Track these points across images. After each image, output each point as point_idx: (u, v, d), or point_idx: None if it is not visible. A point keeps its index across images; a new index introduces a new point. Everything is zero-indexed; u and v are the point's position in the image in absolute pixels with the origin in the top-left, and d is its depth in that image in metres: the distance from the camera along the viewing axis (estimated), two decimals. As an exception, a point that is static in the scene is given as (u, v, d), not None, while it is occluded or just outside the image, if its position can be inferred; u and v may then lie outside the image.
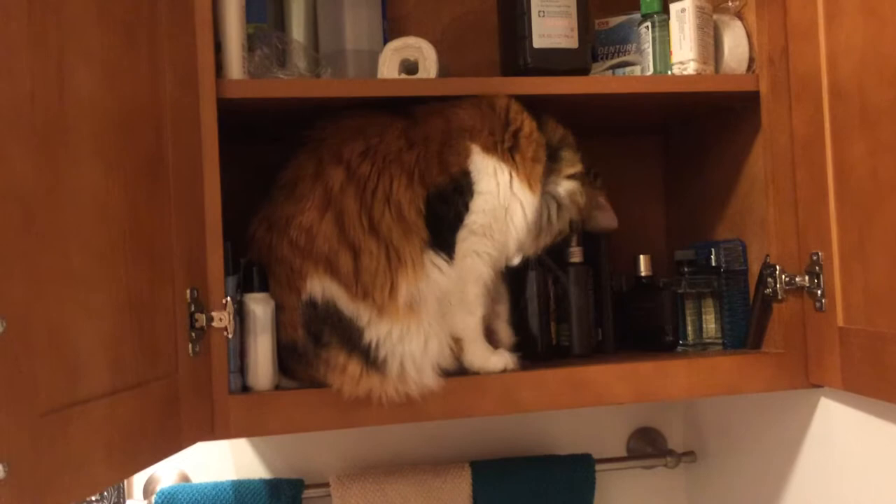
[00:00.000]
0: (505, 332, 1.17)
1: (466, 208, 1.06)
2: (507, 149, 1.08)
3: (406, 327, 1.02)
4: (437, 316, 1.05)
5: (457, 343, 1.08)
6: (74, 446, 0.67)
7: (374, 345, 1.02)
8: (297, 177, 1.07)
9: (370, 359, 1.02)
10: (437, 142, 1.07)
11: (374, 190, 1.03)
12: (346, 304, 1.02)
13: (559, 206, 1.13)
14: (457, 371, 1.09)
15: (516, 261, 1.13)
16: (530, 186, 1.08)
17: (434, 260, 1.04)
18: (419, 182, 1.05)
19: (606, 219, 1.21)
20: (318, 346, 1.04)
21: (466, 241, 1.06)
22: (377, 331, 1.02)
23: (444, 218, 1.05)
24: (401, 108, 1.10)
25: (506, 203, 1.07)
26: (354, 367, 1.02)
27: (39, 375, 0.64)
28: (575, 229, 1.19)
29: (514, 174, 1.07)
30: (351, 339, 1.02)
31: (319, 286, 1.03)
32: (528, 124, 1.09)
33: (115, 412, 0.74)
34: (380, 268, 1.02)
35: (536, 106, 1.12)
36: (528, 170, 1.08)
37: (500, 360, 1.09)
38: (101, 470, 0.72)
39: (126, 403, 0.76)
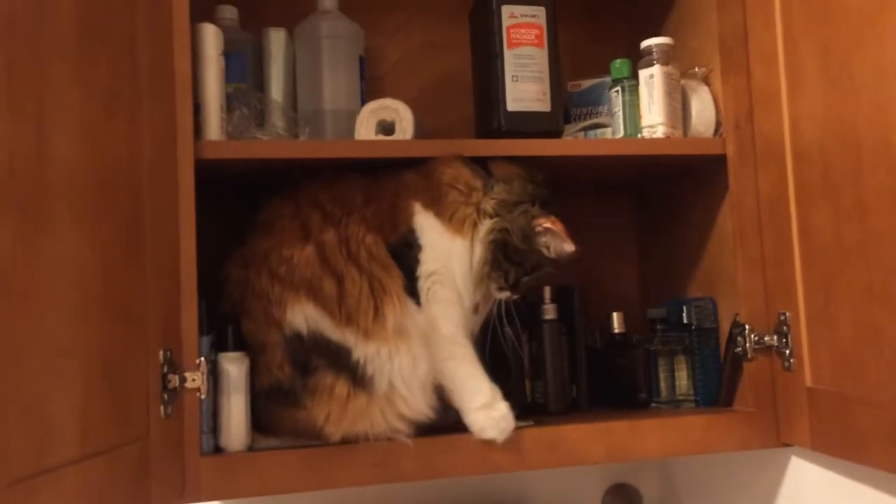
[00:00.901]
0: None
1: (417, 261, 1.09)
2: (435, 200, 1.11)
3: (395, 347, 1.04)
4: (422, 342, 1.07)
5: (451, 394, 1.08)
6: (42, 515, 0.67)
7: (362, 362, 1.03)
8: (276, 216, 1.10)
9: (357, 377, 1.03)
10: (388, 201, 1.12)
11: (346, 229, 1.08)
12: (332, 331, 1.04)
13: (494, 241, 1.11)
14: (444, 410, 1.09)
15: (479, 310, 1.14)
16: (458, 231, 1.11)
17: (410, 302, 1.07)
18: (378, 233, 1.10)
19: (559, 244, 1.12)
20: (305, 375, 1.04)
21: (429, 289, 1.09)
22: (365, 350, 1.04)
23: (403, 270, 1.09)
24: (370, 170, 1.14)
25: (446, 250, 1.11)
26: (342, 387, 1.03)
27: (8, 445, 0.63)
28: (531, 263, 1.13)
29: (443, 223, 1.11)
30: (339, 359, 1.04)
31: (302, 315, 1.04)
32: (448, 173, 1.12)
33: (84, 479, 0.73)
34: (363, 293, 1.05)
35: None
36: (450, 215, 1.11)
37: (489, 427, 1.06)
38: (69, 539, 0.71)
39: (96, 469, 0.76)
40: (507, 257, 1.11)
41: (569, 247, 1.12)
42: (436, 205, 1.11)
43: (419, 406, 1.05)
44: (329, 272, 1.06)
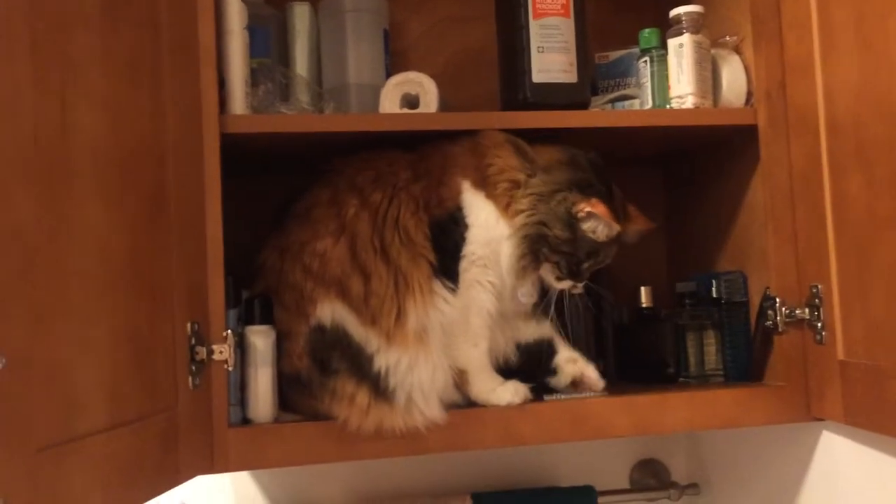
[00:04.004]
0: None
1: (464, 239, 1.08)
2: (487, 184, 1.10)
3: (415, 357, 1.03)
4: (443, 346, 1.06)
5: (461, 375, 1.09)
6: (71, 482, 0.68)
7: (383, 373, 1.03)
8: (312, 204, 1.10)
9: (379, 389, 1.03)
10: (436, 177, 1.10)
11: (385, 214, 1.07)
12: (356, 328, 1.04)
13: (528, 237, 1.09)
14: (462, 403, 1.09)
15: (524, 298, 1.13)
16: (509, 218, 1.09)
17: (441, 288, 1.06)
18: (424, 211, 1.08)
19: (603, 227, 1.09)
20: (324, 374, 1.04)
21: (468, 271, 1.08)
22: (386, 359, 1.03)
23: (446, 248, 1.07)
24: (408, 145, 1.13)
25: (495, 235, 1.09)
26: (363, 397, 1.02)
27: (37, 412, 0.64)
28: (584, 250, 1.10)
29: (498, 209, 1.09)
30: (361, 366, 1.03)
31: (330, 310, 1.04)
32: (498, 161, 1.10)
33: (112, 447, 0.75)
34: (388, 292, 1.04)
35: (537, 139, 1.13)
36: (503, 203, 1.09)
37: (506, 392, 1.09)
38: (99, 505, 0.72)
39: (124, 438, 0.77)
40: (554, 249, 1.09)
41: (614, 227, 1.09)
42: (487, 187, 1.09)
43: (434, 415, 1.04)
44: (358, 269, 1.05)
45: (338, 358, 1.04)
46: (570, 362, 1.17)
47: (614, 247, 1.14)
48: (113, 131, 0.79)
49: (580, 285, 1.13)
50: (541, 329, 1.18)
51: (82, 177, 0.73)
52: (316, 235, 1.07)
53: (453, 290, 1.07)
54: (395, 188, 1.09)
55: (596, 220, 1.08)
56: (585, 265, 1.11)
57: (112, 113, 0.79)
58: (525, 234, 1.09)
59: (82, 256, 0.72)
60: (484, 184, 1.09)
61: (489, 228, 1.09)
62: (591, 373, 1.16)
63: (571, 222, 1.08)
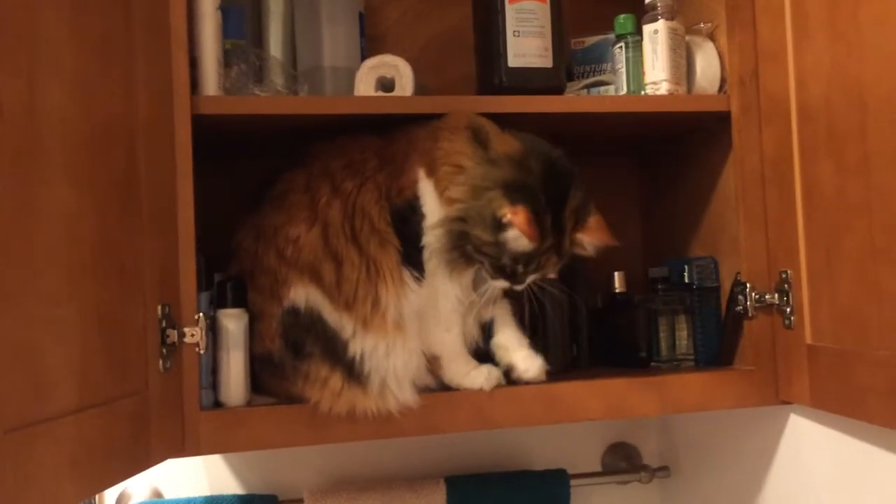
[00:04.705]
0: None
1: (422, 230, 1.05)
2: (435, 168, 1.05)
3: (392, 343, 1.03)
4: (417, 332, 1.06)
5: (434, 361, 1.09)
6: (40, 463, 0.67)
7: (358, 358, 1.03)
8: (287, 189, 1.09)
9: (353, 373, 1.03)
10: (399, 164, 1.08)
11: (354, 202, 1.06)
12: (330, 313, 1.03)
13: (450, 231, 1.04)
14: (435, 387, 1.09)
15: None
16: (445, 205, 1.04)
17: (409, 277, 1.05)
18: (385, 199, 1.06)
19: (521, 239, 1.01)
20: (297, 357, 1.04)
21: (430, 261, 1.06)
22: (363, 344, 1.03)
23: (408, 237, 1.06)
24: (386, 130, 1.11)
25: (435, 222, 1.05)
26: (336, 381, 1.02)
27: (4, 392, 0.63)
28: (512, 256, 1.04)
29: (439, 197, 1.05)
30: (335, 351, 1.03)
31: (304, 294, 1.04)
32: (446, 145, 1.05)
33: (82, 429, 0.74)
34: (360, 278, 1.03)
35: (512, 124, 1.13)
36: (442, 190, 1.04)
37: (479, 376, 1.09)
38: (68, 487, 0.71)
39: (94, 420, 0.76)
40: (477, 248, 1.03)
41: (526, 242, 1.00)
42: (435, 174, 1.06)
43: (408, 399, 1.04)
44: (330, 256, 1.04)
45: (311, 342, 1.04)
46: (502, 349, 1.13)
47: (555, 257, 1.06)
48: (82, 111, 0.78)
49: (518, 287, 1.07)
50: (495, 309, 1.14)
51: (50, 156, 0.72)
52: (290, 220, 1.06)
53: (419, 280, 1.06)
54: (364, 176, 1.07)
55: (516, 230, 1.01)
56: (520, 269, 1.05)
57: (81, 92, 0.78)
58: (449, 229, 1.04)
59: (50, 237, 0.71)
60: (433, 169, 1.06)
61: (434, 216, 1.05)
62: (519, 361, 1.11)
63: (495, 225, 1.01)
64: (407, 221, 1.06)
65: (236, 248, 1.11)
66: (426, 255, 1.06)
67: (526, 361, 1.11)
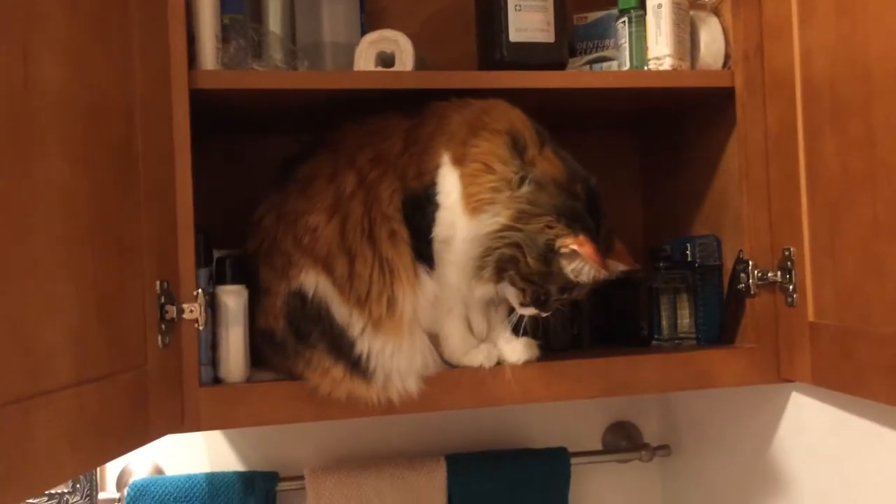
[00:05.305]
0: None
1: (434, 220, 1.01)
2: (464, 161, 1.01)
3: (400, 344, 1.02)
4: (427, 323, 1.05)
5: (435, 339, 1.08)
6: (38, 436, 0.67)
7: (364, 356, 1.01)
8: (314, 175, 1.06)
9: (359, 368, 1.02)
10: (422, 143, 1.04)
11: (378, 195, 1.03)
12: (339, 308, 1.02)
13: (501, 256, 0.99)
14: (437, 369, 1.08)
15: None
16: (469, 210, 0.99)
17: (423, 273, 1.03)
18: (400, 181, 1.03)
19: (587, 270, 0.98)
20: (300, 342, 1.03)
21: (441, 254, 1.03)
22: (371, 344, 1.01)
23: (420, 227, 1.02)
24: (414, 108, 1.08)
25: (453, 222, 1.01)
26: (338, 371, 1.02)
27: (1, 365, 0.63)
28: (557, 285, 1.00)
29: (462, 192, 1.00)
30: (340, 347, 1.02)
31: (314, 280, 1.03)
32: (485, 145, 1.00)
33: (80, 403, 0.74)
34: (374, 276, 1.01)
35: (513, 100, 1.12)
36: (469, 187, 0.99)
37: (479, 355, 1.08)
38: (66, 460, 0.71)
39: (92, 395, 0.76)
40: (523, 276, 0.99)
41: (601, 272, 0.97)
42: (462, 165, 1.00)
43: (411, 389, 1.03)
44: (344, 251, 1.02)
45: (318, 335, 1.02)
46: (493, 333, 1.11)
47: (590, 285, 1.02)
48: (78, 85, 0.78)
49: (545, 314, 1.04)
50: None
51: (45, 130, 0.72)
52: (312, 209, 1.04)
53: (431, 272, 1.04)
54: (388, 164, 1.03)
55: (581, 261, 0.97)
56: (554, 298, 1.02)
57: (77, 66, 0.77)
58: (495, 247, 0.99)
59: (47, 209, 0.71)
60: (462, 160, 1.01)
61: (452, 212, 1.01)
62: (502, 345, 1.09)
63: (549, 255, 0.97)
64: (421, 209, 1.02)
65: (258, 223, 1.09)
66: (436, 247, 1.03)
67: (508, 345, 1.10)
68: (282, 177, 1.10)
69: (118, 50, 0.87)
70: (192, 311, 0.96)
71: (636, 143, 1.51)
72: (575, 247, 0.97)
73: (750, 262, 1.14)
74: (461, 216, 1.01)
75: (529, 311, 1.04)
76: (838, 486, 1.07)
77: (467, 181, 1.00)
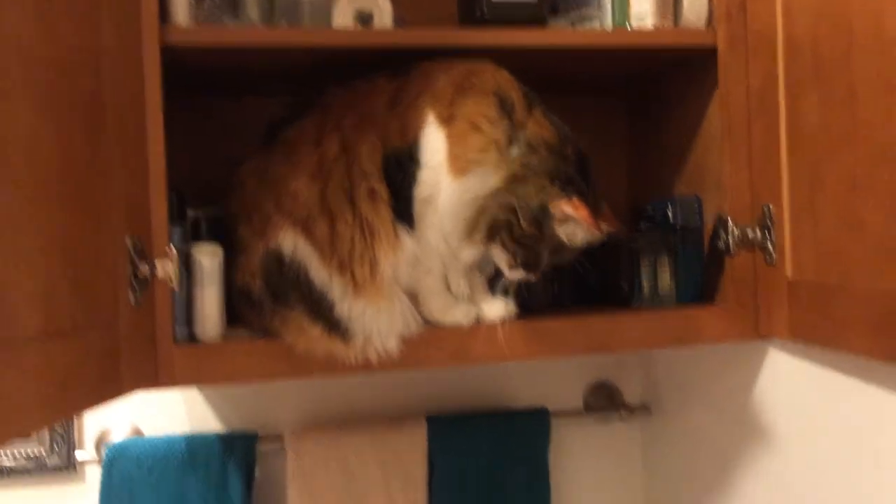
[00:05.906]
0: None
1: (414, 179, 1.01)
2: (451, 122, 1.00)
3: (381, 306, 1.01)
4: (407, 283, 1.04)
5: (414, 298, 1.08)
6: (3, 387, 0.66)
7: (344, 318, 1.01)
8: (299, 139, 1.05)
9: (339, 329, 1.01)
10: (408, 103, 1.03)
11: (357, 153, 1.02)
12: (318, 270, 1.01)
13: (495, 220, 1.00)
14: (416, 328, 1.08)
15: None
16: (455, 170, 0.99)
17: (402, 231, 1.02)
18: (381, 140, 1.02)
19: (581, 233, 1.01)
20: (277, 303, 1.03)
21: (422, 214, 1.03)
22: (352, 306, 1.01)
23: (400, 186, 1.01)
24: (404, 67, 1.06)
25: (437, 181, 1.00)
26: (316, 330, 1.01)
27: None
28: (548, 247, 1.01)
29: (448, 152, 1.00)
30: (319, 310, 1.01)
31: (292, 242, 1.02)
32: (472, 107, 1.00)
33: (47, 357, 0.73)
34: (355, 237, 1.00)
35: (494, 59, 1.10)
36: (456, 148, 0.99)
37: (458, 312, 1.08)
38: (34, 411, 0.70)
39: (60, 348, 0.75)
40: (515, 239, 0.99)
41: (595, 234, 0.98)
42: (448, 125, 1.00)
43: (391, 348, 1.03)
44: (325, 213, 1.01)
45: (296, 298, 1.02)
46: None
47: (581, 247, 1.04)
48: (43, 35, 0.76)
49: (533, 278, 1.04)
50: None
51: (10, 81, 0.70)
52: (294, 173, 1.02)
53: (411, 232, 1.03)
54: (372, 129, 1.02)
55: (574, 225, 0.98)
56: (545, 261, 1.02)
57: (42, 17, 0.75)
58: (487, 210, 0.99)
59: (10, 158, 0.69)
60: (449, 121, 1.01)
61: (436, 172, 1.00)
62: (483, 306, 1.09)
63: (542, 219, 0.98)
64: (403, 168, 1.00)
65: (239, 184, 1.08)
66: (416, 207, 1.02)
67: (487, 304, 1.09)
68: (267, 138, 1.09)
69: (84, 3, 0.84)
70: (164, 268, 0.95)
71: (620, 105, 1.50)
72: (570, 210, 0.97)
73: (729, 221, 1.13)
74: (446, 176, 1.00)
75: (518, 275, 1.04)
76: (811, 438, 1.08)
77: (453, 141, 1.00)
